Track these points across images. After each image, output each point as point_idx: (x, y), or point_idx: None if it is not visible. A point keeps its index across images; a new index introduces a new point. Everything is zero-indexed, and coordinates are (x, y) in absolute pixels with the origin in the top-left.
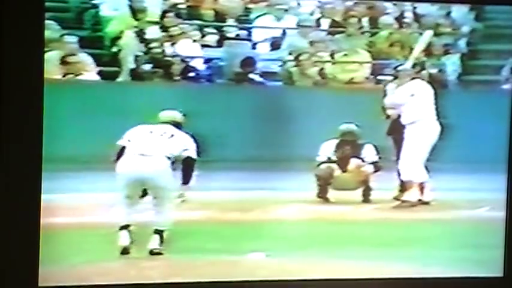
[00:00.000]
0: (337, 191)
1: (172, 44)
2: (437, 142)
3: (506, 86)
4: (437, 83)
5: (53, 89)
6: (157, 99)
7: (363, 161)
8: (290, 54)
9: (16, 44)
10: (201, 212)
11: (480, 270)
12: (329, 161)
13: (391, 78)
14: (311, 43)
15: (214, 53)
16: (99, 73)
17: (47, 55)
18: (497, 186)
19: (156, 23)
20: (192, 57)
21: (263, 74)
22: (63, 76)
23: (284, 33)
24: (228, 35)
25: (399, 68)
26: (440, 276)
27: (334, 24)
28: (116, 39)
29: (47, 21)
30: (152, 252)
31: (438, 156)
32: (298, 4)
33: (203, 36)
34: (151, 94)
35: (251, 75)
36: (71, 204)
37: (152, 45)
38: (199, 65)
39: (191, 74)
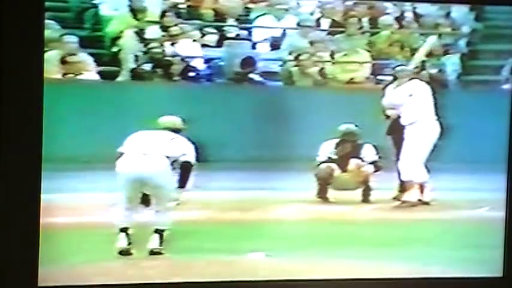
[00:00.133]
0: (337, 191)
1: (172, 44)
2: (437, 142)
3: (506, 86)
4: (437, 83)
5: (53, 88)
6: (157, 99)
7: (363, 161)
8: (290, 54)
9: (16, 43)
10: (201, 212)
11: (480, 270)
12: (329, 160)
13: (390, 78)
14: (311, 43)
15: (214, 53)
16: (99, 73)
17: (46, 55)
18: (497, 186)
19: (156, 22)
20: (192, 57)
21: (263, 74)
22: (63, 76)
23: (284, 33)
24: (228, 34)
25: (397, 69)
26: (440, 276)
27: (334, 24)
28: (115, 39)
29: (47, 21)
30: (152, 252)
31: (438, 156)
32: (298, 4)
33: (203, 36)
34: (151, 94)
35: (251, 75)
36: (71, 204)
37: (152, 45)
38: (199, 64)
39: (191, 74)
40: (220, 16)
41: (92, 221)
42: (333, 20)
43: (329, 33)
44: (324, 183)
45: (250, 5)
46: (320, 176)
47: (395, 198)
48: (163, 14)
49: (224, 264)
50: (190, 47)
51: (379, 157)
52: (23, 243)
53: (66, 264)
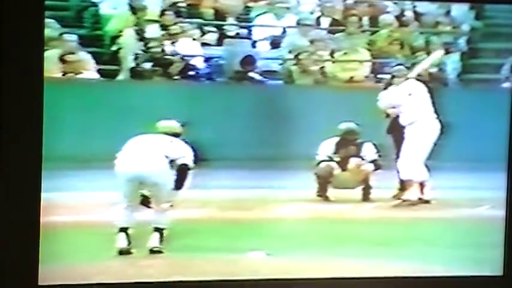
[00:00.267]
0: (337, 190)
1: (172, 43)
2: (437, 141)
3: (506, 85)
4: (437, 82)
5: (53, 87)
6: (157, 98)
7: (363, 159)
8: (290, 52)
9: (16, 42)
10: (201, 211)
11: (480, 269)
12: (329, 159)
13: (390, 78)
14: (311, 42)
15: (214, 52)
16: (99, 71)
17: (46, 53)
18: (498, 185)
19: (155, 21)
20: (192, 56)
21: (263, 73)
22: (63, 75)
23: (284, 31)
24: (228, 33)
25: (395, 68)
26: (440, 275)
27: (334, 22)
28: (115, 37)
29: (46, 20)
30: (152, 251)
31: (438, 154)
32: (298, 3)
33: (203, 34)
34: (151, 93)
35: (251, 74)
36: (71, 203)
37: (152, 43)
38: (199, 63)
39: (191, 73)
40: (220, 15)
41: (91, 220)
42: (333, 19)
43: (329, 32)
44: (324, 182)
45: (250, 4)
46: (320, 175)
47: (395, 197)
48: (163, 13)
49: (224, 263)
50: (190, 46)
51: (379, 156)
52: (23, 242)
53: (66, 263)
